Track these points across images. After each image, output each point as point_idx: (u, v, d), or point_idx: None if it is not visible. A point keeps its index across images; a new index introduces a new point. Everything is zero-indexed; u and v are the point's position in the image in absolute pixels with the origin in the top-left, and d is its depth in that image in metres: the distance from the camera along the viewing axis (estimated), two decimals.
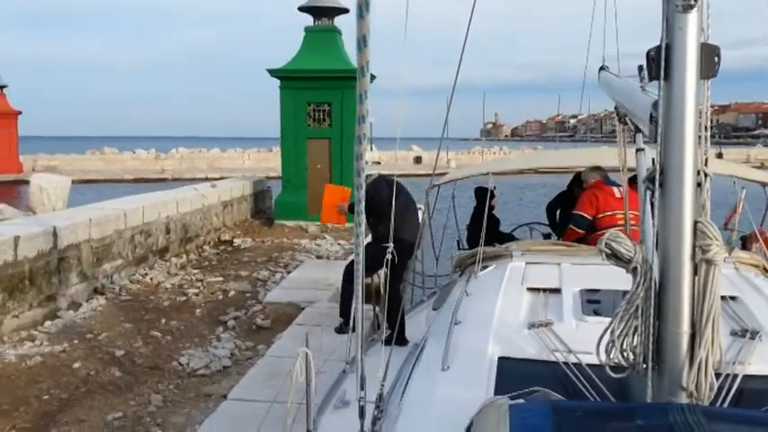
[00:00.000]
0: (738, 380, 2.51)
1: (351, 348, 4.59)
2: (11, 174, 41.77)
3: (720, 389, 2.28)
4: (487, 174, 6.28)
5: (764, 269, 5.04)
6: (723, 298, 2.25)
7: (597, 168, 6.28)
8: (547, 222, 7.76)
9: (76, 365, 7.35)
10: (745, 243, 6.25)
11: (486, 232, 5.09)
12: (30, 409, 6.22)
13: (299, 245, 15.47)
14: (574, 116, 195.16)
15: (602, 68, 4.66)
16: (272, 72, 18.53)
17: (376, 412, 2.87)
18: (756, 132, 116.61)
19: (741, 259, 4.66)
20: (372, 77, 14.86)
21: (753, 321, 3.13)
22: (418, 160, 49.68)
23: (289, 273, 12.30)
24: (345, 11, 19.08)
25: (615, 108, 3.90)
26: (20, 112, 45.25)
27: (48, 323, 8.87)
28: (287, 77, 18.47)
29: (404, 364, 3.50)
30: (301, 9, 18.89)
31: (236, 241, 15.66)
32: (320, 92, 18.41)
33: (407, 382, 3.18)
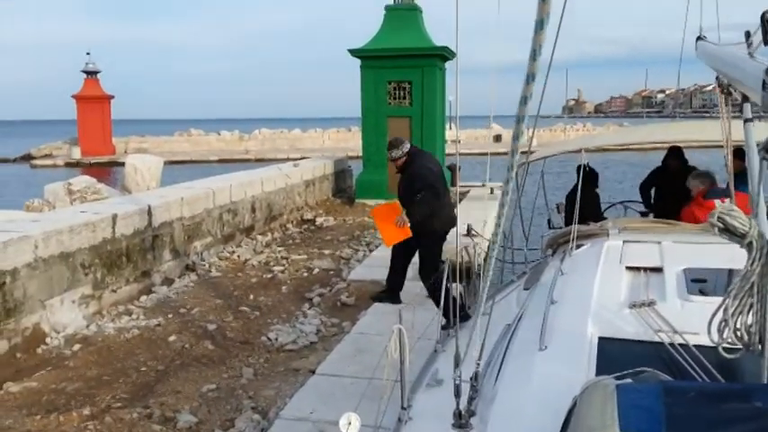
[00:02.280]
0: None
1: (439, 328, 4.56)
2: (105, 156, 44.02)
3: None
4: (579, 150, 6.06)
5: None
6: None
7: (704, 175, 5.86)
8: (641, 200, 7.47)
9: (171, 339, 7.67)
10: None
11: (584, 210, 4.88)
12: (128, 380, 6.53)
13: None
14: (662, 91, 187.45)
15: (699, 38, 4.41)
16: (353, 52, 18.60)
17: (471, 392, 2.82)
18: None
19: None
20: (452, 54, 14.72)
21: None
22: (498, 138, 48.94)
23: (371, 251, 12.39)
24: None
25: (717, 79, 3.69)
26: (112, 97, 47.47)
27: (143, 298, 9.28)
28: (368, 57, 18.50)
29: (497, 344, 3.43)
30: None
31: (319, 220, 15.91)
32: (401, 70, 18.36)
33: (502, 362, 3.12)
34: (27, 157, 48.21)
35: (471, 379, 2.85)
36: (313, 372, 6.46)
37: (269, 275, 10.63)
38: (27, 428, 5.47)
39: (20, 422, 5.58)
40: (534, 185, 7.59)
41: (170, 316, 8.51)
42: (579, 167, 6.35)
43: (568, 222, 5.94)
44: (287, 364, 6.98)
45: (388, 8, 19.02)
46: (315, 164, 18.87)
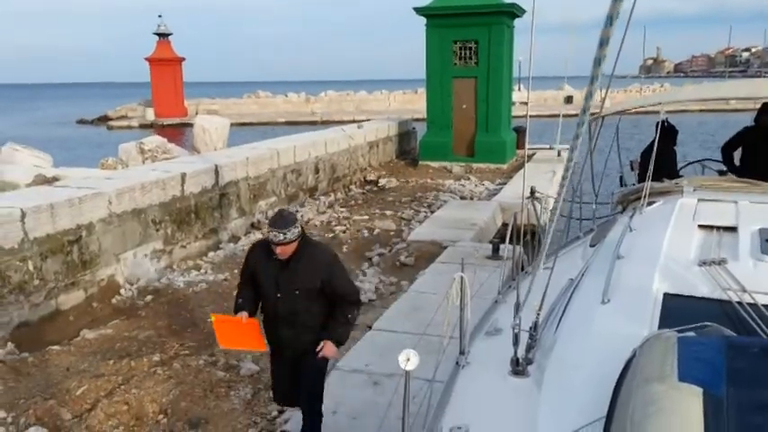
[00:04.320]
0: None
1: (501, 283, 4.58)
2: (177, 117, 45.26)
3: None
4: (658, 105, 5.81)
5: None
6: None
7: None
8: (719, 160, 7.14)
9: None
10: None
11: (659, 168, 4.72)
12: (196, 330, 6.84)
13: (443, 185, 15.53)
14: (747, 49, 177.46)
15: None
16: (419, 10, 18.34)
17: (530, 340, 2.85)
18: None
19: None
20: (521, 11, 14.18)
21: None
22: (569, 100, 47.52)
23: (432, 212, 12.41)
24: None
25: None
26: (183, 59, 48.55)
27: (211, 254, 9.63)
28: (433, 15, 18.20)
29: (559, 297, 3.42)
30: None
31: (382, 181, 15.99)
32: (466, 29, 18.00)
33: (563, 314, 3.11)
34: (104, 119, 50.15)
35: (530, 328, 2.87)
36: (370, 327, 6.60)
37: (331, 235, 10.82)
38: (101, 372, 5.83)
39: (94, 366, 5.96)
40: (608, 143, 7.37)
41: (236, 271, 8.79)
42: (657, 123, 6.09)
43: (642, 180, 5.75)
44: None
45: None
46: (379, 126, 18.90)
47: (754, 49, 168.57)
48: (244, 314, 4.20)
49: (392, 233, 10.95)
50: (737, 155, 6.88)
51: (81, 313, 7.27)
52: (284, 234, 3.93)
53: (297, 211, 12.38)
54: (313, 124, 38.37)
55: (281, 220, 3.98)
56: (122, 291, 7.94)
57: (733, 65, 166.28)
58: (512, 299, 3.56)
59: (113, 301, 7.73)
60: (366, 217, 12.11)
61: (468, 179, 16.41)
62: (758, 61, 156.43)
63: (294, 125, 39.89)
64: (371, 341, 6.22)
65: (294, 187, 12.93)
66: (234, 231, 10.59)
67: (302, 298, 4.10)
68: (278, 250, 4.00)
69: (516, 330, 2.80)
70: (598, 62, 2.08)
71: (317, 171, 13.96)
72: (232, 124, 20.79)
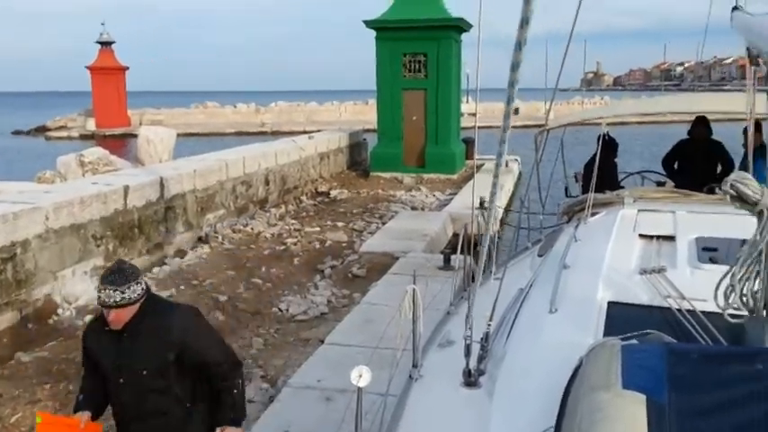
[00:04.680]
0: None
1: (453, 294, 4.60)
2: (119, 127, 44.15)
3: None
4: (600, 119, 6.02)
5: None
6: None
7: None
8: (658, 171, 7.36)
9: None
10: None
11: (601, 179, 4.89)
12: None
13: (394, 196, 15.52)
14: (681, 64, 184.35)
15: (735, 8, 4.31)
16: (369, 23, 18.37)
17: (481, 351, 2.85)
18: None
19: None
20: (468, 25, 14.33)
21: None
22: (516, 111, 48.50)
23: (384, 223, 12.35)
24: None
25: (747, 50, 3.64)
26: (127, 68, 47.48)
27: (156, 269, 9.32)
28: (383, 28, 18.26)
29: (509, 307, 3.45)
30: None
31: (333, 192, 15.88)
32: (416, 42, 18.13)
33: (513, 324, 3.15)
34: (41, 129, 48.49)
35: (482, 339, 2.89)
36: (322, 341, 6.46)
37: (282, 247, 10.64)
38: (37, 397, 5.53)
39: (30, 391, 5.64)
40: (553, 155, 7.49)
41: (182, 287, 8.54)
42: (599, 136, 6.27)
43: (585, 191, 5.92)
44: (297, 334, 6.99)
45: None
46: (330, 137, 18.79)
47: (687, 64, 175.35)
48: (83, 415, 3.11)
49: (344, 245, 10.84)
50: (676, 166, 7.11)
51: (15, 335, 6.89)
52: (122, 293, 2.91)
53: (247, 225, 12.14)
54: (263, 135, 37.99)
55: (118, 275, 2.95)
56: (60, 310, 7.59)
57: (668, 79, 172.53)
58: (463, 310, 3.59)
59: (50, 321, 7.37)
60: (318, 229, 11.97)
61: (419, 190, 16.45)
62: (691, 75, 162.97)
63: (243, 136, 39.41)
64: (324, 355, 6.08)
65: (244, 199, 12.68)
66: (180, 246, 10.29)
67: (152, 380, 3.04)
68: (111, 316, 2.95)
69: (468, 342, 2.81)
70: (512, 84, 2.13)
71: (267, 183, 13.74)
72: (179, 135, 20.36)
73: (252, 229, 11.90)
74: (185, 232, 10.49)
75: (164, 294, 8.22)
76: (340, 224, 12.37)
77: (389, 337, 3.89)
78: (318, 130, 23.01)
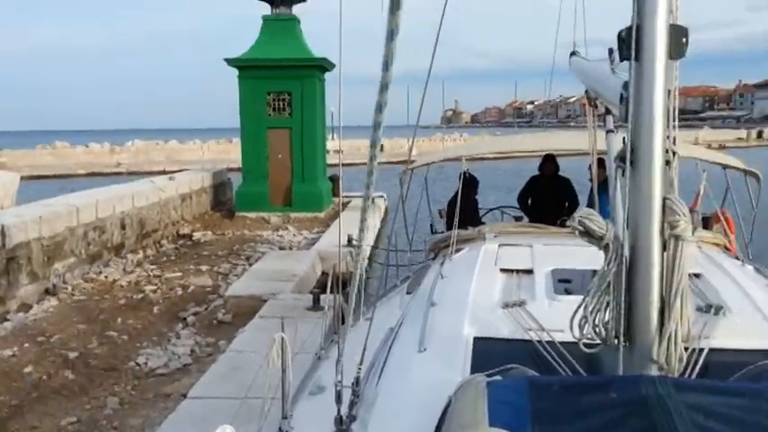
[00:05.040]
0: (705, 353, 2.53)
1: (323, 337, 4.53)
2: None
3: (688, 362, 2.30)
4: (460, 158, 6.27)
5: (725, 248, 5.10)
6: (688, 275, 2.26)
7: None
8: (516, 207, 7.75)
9: (27, 370, 7.02)
10: (707, 223, 6.29)
11: (464, 215, 5.04)
12: None
13: (261, 236, 15.23)
14: (531, 102, 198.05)
15: (573, 53, 4.66)
16: (230, 61, 18.15)
17: (353, 397, 2.81)
18: (703, 115, 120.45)
19: (704, 238, 4.79)
20: (331, 65, 14.50)
21: (716, 297, 3.19)
22: (381, 148, 49.55)
23: (251, 265, 12.05)
24: None
25: (586, 92, 3.92)
26: None
27: None
28: (245, 66, 18.11)
29: (379, 349, 3.42)
30: None
31: (196, 235, 15.32)
32: (279, 81, 18.14)
33: (383, 366, 3.11)
34: None
35: (353, 384, 2.84)
36: (185, 395, 6.11)
37: (140, 296, 10.04)
38: None
39: None
40: (418, 192, 7.69)
41: (26, 345, 7.80)
42: (460, 174, 6.52)
43: (449, 227, 6.10)
44: (157, 389, 6.56)
45: (265, 18, 18.73)
46: (192, 177, 18.21)
47: (536, 102, 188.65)
48: None
49: (208, 289, 10.44)
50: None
51: None
52: None
53: (101, 273, 11.37)
54: (118, 175, 36.11)
55: None
56: None
57: (520, 116, 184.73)
58: (334, 354, 3.54)
59: None
60: (179, 274, 11.45)
61: (287, 229, 16.28)
62: (540, 112, 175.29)
63: (97, 177, 37.24)
64: (187, 411, 5.73)
65: (97, 246, 11.90)
66: (25, 299, 9.44)
67: None
68: None
69: (338, 388, 2.77)
70: (380, 108, 2.16)
71: (123, 227, 13.00)
72: (23, 178, 18.88)
73: (106, 277, 11.17)
74: (30, 284, 9.65)
75: (5, 354, 7.47)
76: (204, 268, 11.92)
77: (258, 385, 3.75)
78: (180, 170, 22.26)
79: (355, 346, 3.00)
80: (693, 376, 2.38)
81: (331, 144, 31.27)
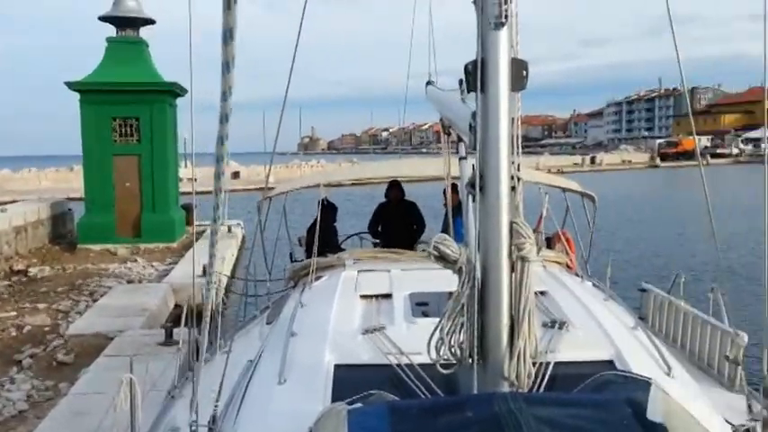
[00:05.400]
0: (551, 366, 2.69)
1: (177, 373, 4.33)
2: None
3: (536, 375, 2.43)
4: (318, 185, 6.31)
5: (567, 266, 5.50)
6: (534, 293, 2.42)
7: None
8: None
9: None
10: (549, 243, 6.75)
11: (323, 243, 5.06)
12: None
13: (107, 270, 14.35)
14: (386, 129, 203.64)
15: (428, 83, 4.85)
16: (71, 85, 17.08)
17: None
18: (543, 142, 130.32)
19: (547, 258, 5.09)
20: (183, 90, 14.08)
21: (560, 313, 3.41)
22: (236, 175, 48.64)
23: (95, 301, 11.31)
24: (151, 22, 18.13)
25: (440, 119, 4.07)
26: None
27: None
28: (88, 90, 17.11)
29: (238, 382, 3.31)
30: (102, 18, 17.63)
31: (32, 270, 14.14)
32: (126, 106, 17.32)
33: (242, 400, 3.02)
34: None
35: (209, 422, 2.75)
36: None
37: None
38: None
39: None
40: (277, 220, 7.58)
41: None
42: (319, 201, 6.51)
43: (309, 255, 6.07)
44: None
45: (109, 40, 17.85)
46: (26, 208, 16.87)
47: (391, 129, 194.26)
48: None
49: (47, 329, 9.67)
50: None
51: None
52: None
53: None
54: None
55: None
56: None
57: (376, 143, 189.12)
58: (189, 392, 3.38)
59: None
60: (14, 313, 10.51)
61: (136, 261, 15.47)
62: (395, 139, 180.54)
63: None
64: None
65: None
66: None
67: None
68: None
69: (194, 428, 2.68)
70: (221, 140, 2.13)
71: None
72: None
73: None
74: None
75: None
76: (41, 306, 11.02)
77: (105, 430, 3.51)
78: (13, 201, 20.52)
79: (212, 382, 2.93)
80: (542, 389, 2.52)
81: (184, 172, 30.23)
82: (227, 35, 1.84)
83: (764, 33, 3.13)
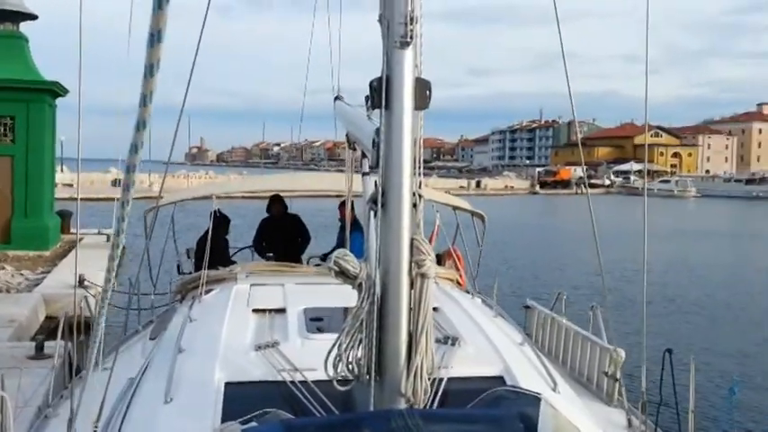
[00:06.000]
0: (444, 382, 2.73)
1: (51, 390, 4.07)
2: None
3: (431, 391, 2.46)
4: (210, 196, 6.12)
5: (457, 282, 5.66)
6: None
7: None
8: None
9: None
10: (440, 260, 6.95)
11: (214, 255, 4.92)
12: None
13: None
14: (277, 144, 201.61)
15: (337, 98, 4.86)
16: None
17: None
18: (432, 164, 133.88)
19: (439, 274, 5.19)
20: (64, 90, 13.30)
21: (452, 329, 3.49)
22: (116, 183, 46.48)
23: None
24: (33, 17, 17.08)
25: (347, 135, 4.08)
26: None
27: None
28: None
29: (118, 401, 3.12)
30: None
31: None
32: (1, 104, 16.15)
33: (123, 420, 2.85)
34: None
35: None
36: None
37: None
38: None
39: None
40: (164, 232, 7.30)
41: None
42: (211, 213, 6.33)
43: (199, 268, 5.88)
44: None
45: None
46: None
47: (283, 144, 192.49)
48: None
49: None
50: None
51: None
52: None
53: None
54: None
55: None
56: None
57: (267, 157, 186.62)
58: (65, 411, 3.18)
59: None
60: None
61: (4, 268, 14.37)
62: (287, 155, 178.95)
63: None
64: None
65: None
66: None
67: None
68: None
69: None
70: (135, 149, 2.07)
71: None
72: None
73: None
74: None
75: None
76: None
77: None
78: None
79: (91, 401, 2.78)
80: (435, 405, 2.54)
81: (60, 176, 28.51)
82: (155, 37, 1.78)
83: (647, 76, 3.44)
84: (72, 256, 15.03)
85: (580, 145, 5.32)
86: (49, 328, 10.07)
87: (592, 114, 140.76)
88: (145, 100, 1.93)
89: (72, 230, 18.33)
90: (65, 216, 18.51)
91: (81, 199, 5.72)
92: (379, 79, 2.23)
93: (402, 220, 2.23)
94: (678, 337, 11.78)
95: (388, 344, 2.24)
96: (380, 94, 2.22)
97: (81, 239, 17.52)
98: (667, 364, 4.11)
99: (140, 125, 1.99)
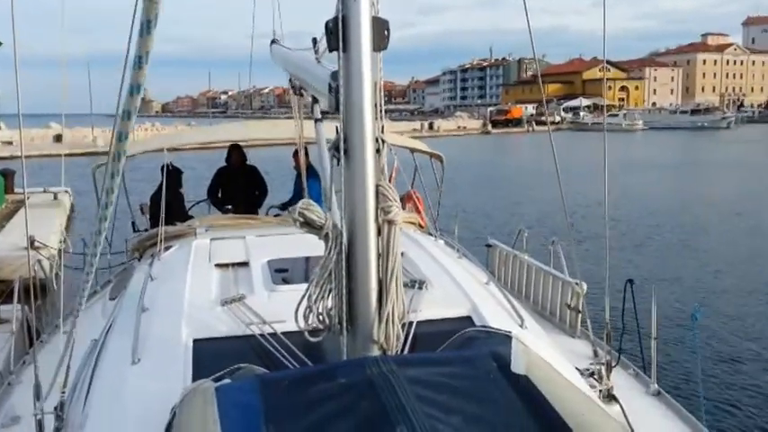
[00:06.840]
0: (414, 326, 2.73)
1: (12, 356, 4.00)
2: None
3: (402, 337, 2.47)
4: (162, 149, 5.93)
5: (419, 225, 5.66)
6: None
7: None
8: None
9: None
10: (401, 203, 6.93)
11: (170, 210, 4.81)
12: None
13: None
14: (225, 92, 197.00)
15: (273, 42, 4.67)
16: None
17: (57, 423, 2.54)
18: (384, 108, 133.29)
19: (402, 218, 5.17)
20: None
21: (419, 273, 3.49)
22: (59, 138, 44.88)
23: None
24: None
25: (290, 80, 3.94)
26: None
27: None
28: None
29: (83, 365, 3.06)
30: None
31: None
32: None
33: (90, 383, 2.80)
34: None
35: (56, 409, 2.57)
36: None
37: None
38: None
39: None
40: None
41: None
42: (162, 166, 6.14)
43: (154, 224, 5.75)
44: None
45: None
46: None
47: (231, 92, 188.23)
48: None
49: None
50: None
51: None
52: None
53: None
54: None
55: None
56: None
57: (215, 106, 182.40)
58: (28, 377, 3.10)
59: None
60: None
61: None
62: (235, 103, 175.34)
63: None
64: None
65: None
66: None
67: None
68: None
69: (39, 416, 2.51)
70: (128, 114, 2.00)
71: None
72: None
73: None
74: None
75: None
76: None
77: None
78: None
79: (51, 366, 2.71)
80: (407, 349, 2.54)
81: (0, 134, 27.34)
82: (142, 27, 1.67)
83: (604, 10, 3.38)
84: (19, 217, 14.55)
85: (541, 81, 5.25)
86: (2, 293, 9.79)
87: (541, 51, 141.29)
88: (140, 61, 1.80)
89: (17, 190, 17.71)
90: (7, 175, 17.82)
91: (28, 156, 5.46)
92: (335, 19, 2.11)
93: (366, 167, 2.17)
94: (636, 269, 12.11)
95: (358, 292, 2.21)
96: (337, 35, 2.11)
97: (28, 198, 16.96)
98: (629, 294, 4.22)
99: (134, 89, 1.87)
